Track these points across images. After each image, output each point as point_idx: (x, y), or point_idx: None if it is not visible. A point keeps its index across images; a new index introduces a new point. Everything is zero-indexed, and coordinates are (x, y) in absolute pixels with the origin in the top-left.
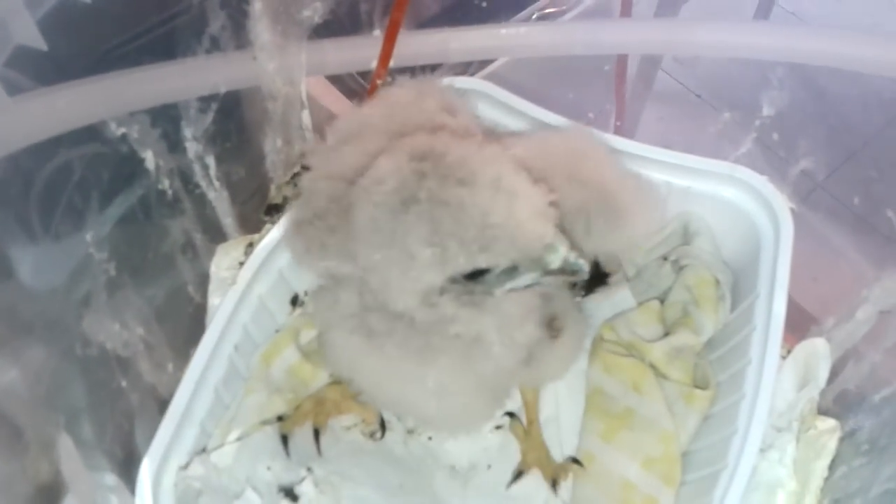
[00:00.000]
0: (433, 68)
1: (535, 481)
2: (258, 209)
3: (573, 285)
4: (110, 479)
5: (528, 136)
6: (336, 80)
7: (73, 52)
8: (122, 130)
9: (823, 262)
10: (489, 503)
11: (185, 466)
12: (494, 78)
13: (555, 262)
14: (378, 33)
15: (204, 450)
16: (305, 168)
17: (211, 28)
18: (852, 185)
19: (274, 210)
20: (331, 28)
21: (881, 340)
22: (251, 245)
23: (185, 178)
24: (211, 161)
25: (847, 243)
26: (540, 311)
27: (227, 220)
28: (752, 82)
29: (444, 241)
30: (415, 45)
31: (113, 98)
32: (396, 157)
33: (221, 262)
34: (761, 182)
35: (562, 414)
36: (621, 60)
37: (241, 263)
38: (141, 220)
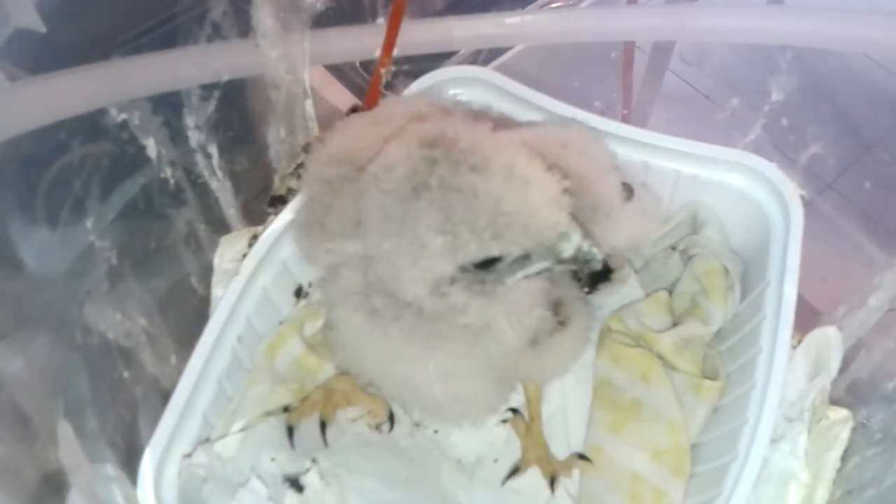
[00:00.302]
0: (438, 57)
1: (533, 478)
2: (262, 200)
3: (578, 279)
4: (112, 469)
5: (527, 125)
6: (339, 73)
7: (73, 38)
8: (123, 117)
9: (833, 262)
10: (495, 497)
11: (189, 454)
12: (503, 69)
13: (568, 250)
14: (381, 21)
15: (207, 440)
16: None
17: (212, 14)
18: (861, 183)
19: (278, 201)
20: (333, 16)
21: (893, 329)
22: (255, 237)
23: (188, 168)
24: (213, 150)
25: (856, 242)
26: (547, 294)
27: (231, 211)
28: (760, 68)
29: (456, 229)
30: (419, 33)
31: (114, 85)
32: (406, 143)
33: (225, 254)
34: (770, 169)
35: (568, 406)
36: (628, 48)
37: (245, 255)
38: (144, 211)
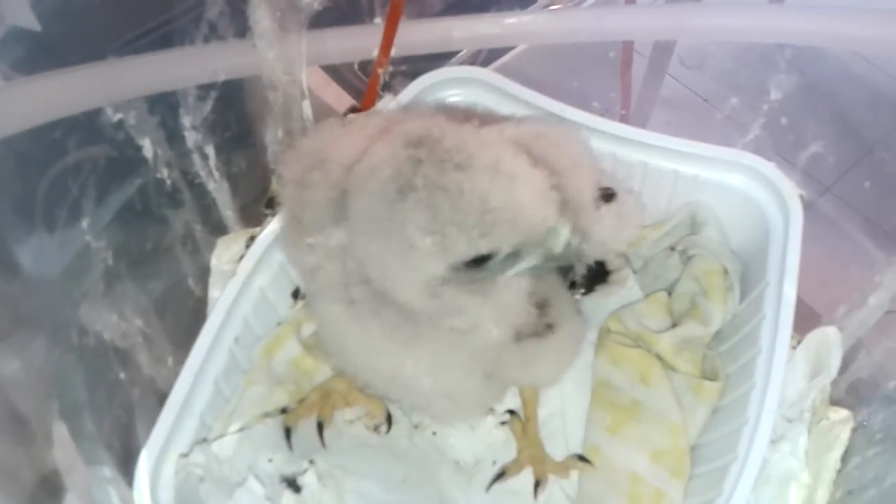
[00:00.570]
0: (437, 58)
1: (529, 480)
2: (259, 202)
3: (572, 284)
4: (108, 471)
5: (508, 120)
6: (336, 74)
7: (68, 37)
8: (119, 117)
9: (833, 264)
10: (493, 499)
11: (186, 454)
12: (502, 69)
13: (558, 245)
14: (379, 21)
15: (205, 440)
16: None
17: (209, 14)
18: (861, 185)
19: (275, 202)
20: (331, 17)
21: (893, 328)
22: (252, 238)
23: (185, 169)
24: (210, 151)
25: (856, 244)
26: (533, 294)
27: (228, 212)
28: (759, 69)
29: (444, 229)
30: (416, 33)
31: (110, 85)
32: (391, 144)
33: (222, 256)
34: (769, 168)
35: (567, 407)
36: (626, 48)
37: (242, 257)
38: (140, 212)
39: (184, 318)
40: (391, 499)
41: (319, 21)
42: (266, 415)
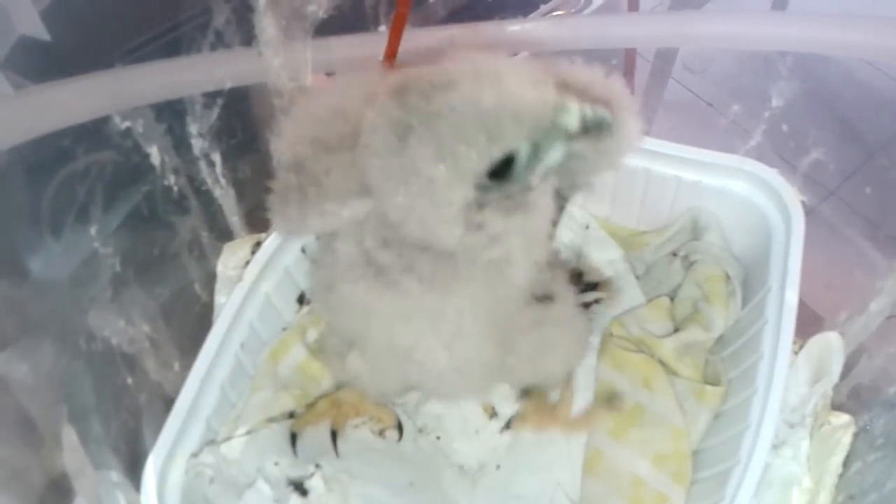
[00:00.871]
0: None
1: (534, 484)
2: (265, 208)
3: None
4: (116, 475)
5: None
6: None
7: (76, 46)
8: (127, 125)
9: (836, 269)
10: (498, 503)
11: (196, 454)
12: None
13: (572, 120)
14: (384, 29)
15: (213, 441)
16: None
17: (216, 23)
18: (864, 189)
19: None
20: (335, 24)
21: (895, 334)
22: (258, 244)
23: (191, 176)
24: (217, 158)
25: (859, 248)
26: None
27: (234, 218)
28: (761, 75)
29: (452, 150)
30: (421, 41)
31: (117, 93)
32: (378, 105)
33: (228, 261)
34: (771, 174)
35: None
36: (629, 56)
37: (248, 262)
38: (147, 218)
39: (190, 323)
40: (397, 503)
41: (324, 29)
42: (271, 419)
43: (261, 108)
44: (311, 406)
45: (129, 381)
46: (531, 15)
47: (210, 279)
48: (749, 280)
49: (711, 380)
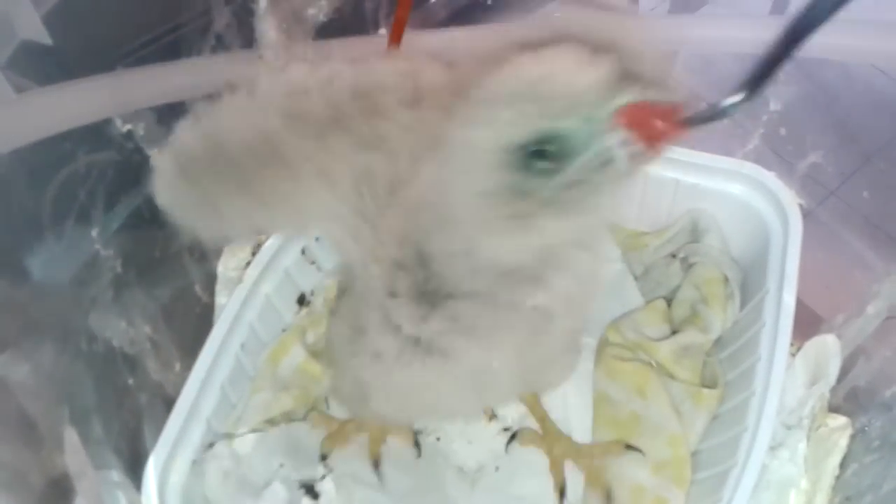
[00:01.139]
0: None
1: (537, 486)
2: None
3: None
4: (117, 475)
5: None
6: None
7: (78, 49)
8: (128, 127)
9: (836, 269)
10: None
11: (211, 446)
12: None
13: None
14: (384, 32)
15: (228, 435)
16: None
17: (216, 26)
18: (864, 191)
19: None
20: (336, 27)
21: (892, 336)
22: (259, 246)
23: None
24: None
25: (859, 250)
26: None
27: None
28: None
29: (498, 115)
30: (421, 44)
31: (119, 96)
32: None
33: (229, 263)
34: (769, 178)
35: (571, 416)
36: None
37: (248, 264)
38: (148, 220)
39: (191, 324)
40: None
41: (324, 32)
42: (270, 420)
43: None
44: (339, 429)
45: (130, 381)
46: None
47: (210, 280)
48: (747, 282)
49: (709, 382)
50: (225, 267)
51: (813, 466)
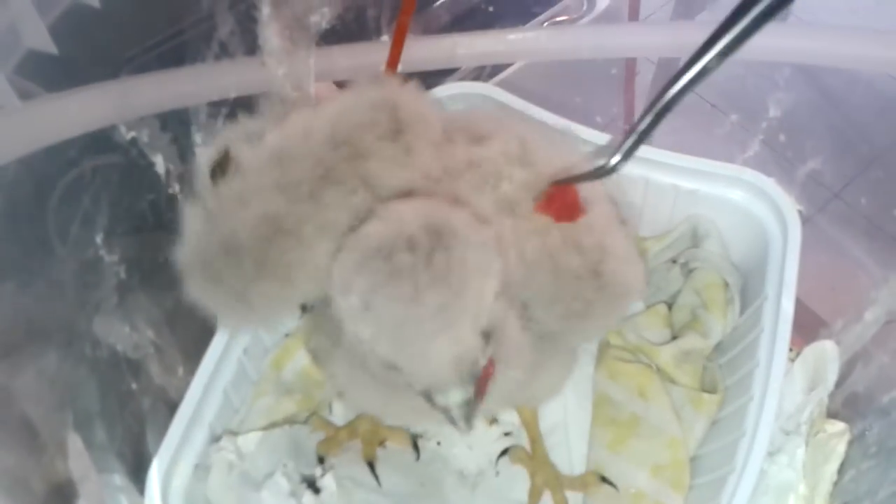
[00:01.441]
0: (442, 73)
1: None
2: None
3: None
4: (120, 479)
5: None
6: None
7: (83, 58)
8: (133, 134)
9: (835, 275)
10: None
11: (218, 438)
12: (505, 84)
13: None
14: (386, 38)
15: (232, 432)
16: None
17: (220, 33)
18: (865, 191)
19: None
20: (338, 34)
21: (889, 342)
22: None
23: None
24: None
25: (858, 255)
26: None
27: None
28: (761, 82)
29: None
30: (423, 50)
31: (123, 103)
32: None
33: None
34: (768, 184)
35: (570, 419)
36: (629, 65)
37: None
38: (152, 225)
39: (194, 328)
40: None
41: (327, 39)
42: (273, 424)
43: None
44: (333, 436)
45: (134, 386)
46: (531, 22)
47: None
48: (746, 288)
49: (709, 387)
50: None
51: (811, 472)
